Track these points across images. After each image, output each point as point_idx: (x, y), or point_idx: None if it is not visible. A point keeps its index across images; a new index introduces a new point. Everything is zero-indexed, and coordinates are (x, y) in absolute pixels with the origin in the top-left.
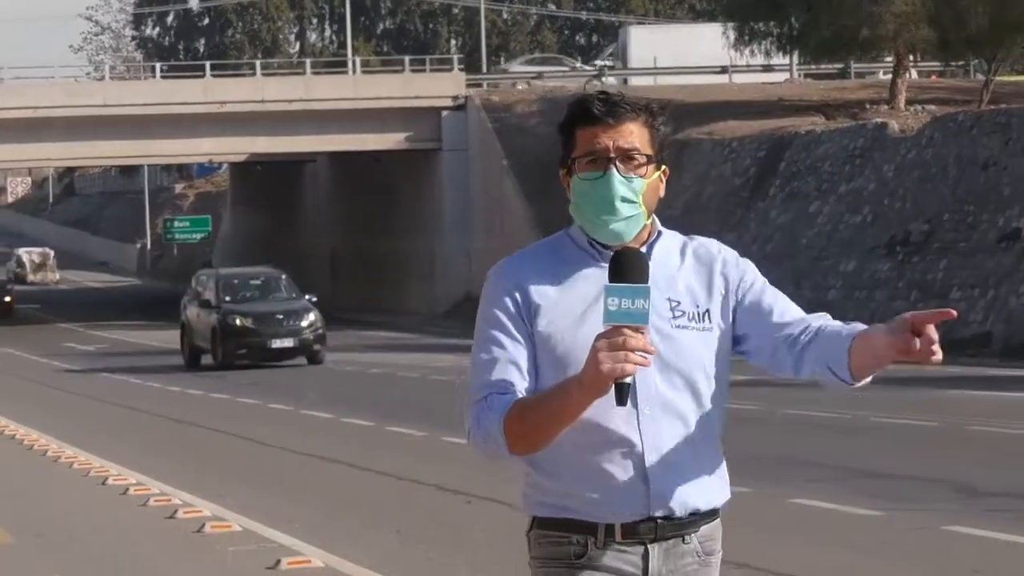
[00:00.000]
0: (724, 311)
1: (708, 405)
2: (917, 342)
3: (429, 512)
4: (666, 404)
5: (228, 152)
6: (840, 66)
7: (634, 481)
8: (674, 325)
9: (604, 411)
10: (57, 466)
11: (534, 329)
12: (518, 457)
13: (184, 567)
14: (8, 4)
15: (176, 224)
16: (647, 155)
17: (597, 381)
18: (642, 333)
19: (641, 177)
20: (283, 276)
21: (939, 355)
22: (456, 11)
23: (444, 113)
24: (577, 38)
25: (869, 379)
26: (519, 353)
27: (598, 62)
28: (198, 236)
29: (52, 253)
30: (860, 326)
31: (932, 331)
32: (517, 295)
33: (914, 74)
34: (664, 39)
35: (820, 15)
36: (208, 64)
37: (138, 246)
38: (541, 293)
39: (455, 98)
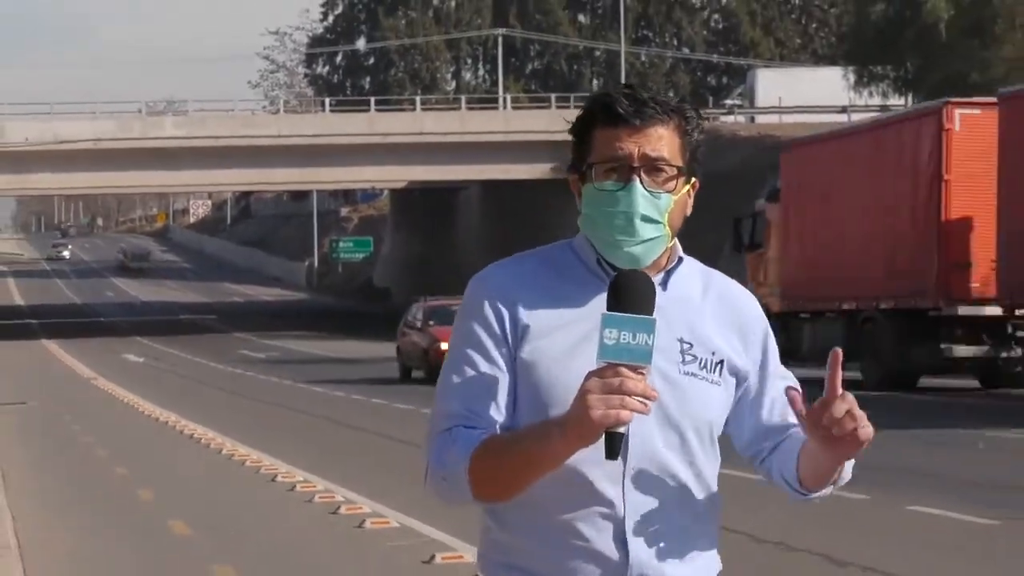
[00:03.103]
0: (736, 370)
1: (707, 467)
2: (831, 413)
3: None
4: (660, 462)
5: (389, 179)
6: None
7: (611, 548)
8: (682, 371)
9: (585, 462)
10: (231, 463)
11: (518, 355)
12: (482, 504)
13: (345, 560)
14: (193, 45)
15: (341, 244)
16: (677, 167)
17: (584, 428)
18: (643, 375)
19: (669, 192)
20: None
21: (866, 429)
22: (598, 54)
23: None
24: (709, 79)
25: (828, 491)
26: (497, 380)
27: (728, 101)
28: (360, 255)
29: (149, 250)
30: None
31: (842, 400)
32: (504, 311)
33: None
34: (788, 81)
35: (934, 60)
36: (372, 99)
37: (306, 264)
38: (532, 313)
39: None
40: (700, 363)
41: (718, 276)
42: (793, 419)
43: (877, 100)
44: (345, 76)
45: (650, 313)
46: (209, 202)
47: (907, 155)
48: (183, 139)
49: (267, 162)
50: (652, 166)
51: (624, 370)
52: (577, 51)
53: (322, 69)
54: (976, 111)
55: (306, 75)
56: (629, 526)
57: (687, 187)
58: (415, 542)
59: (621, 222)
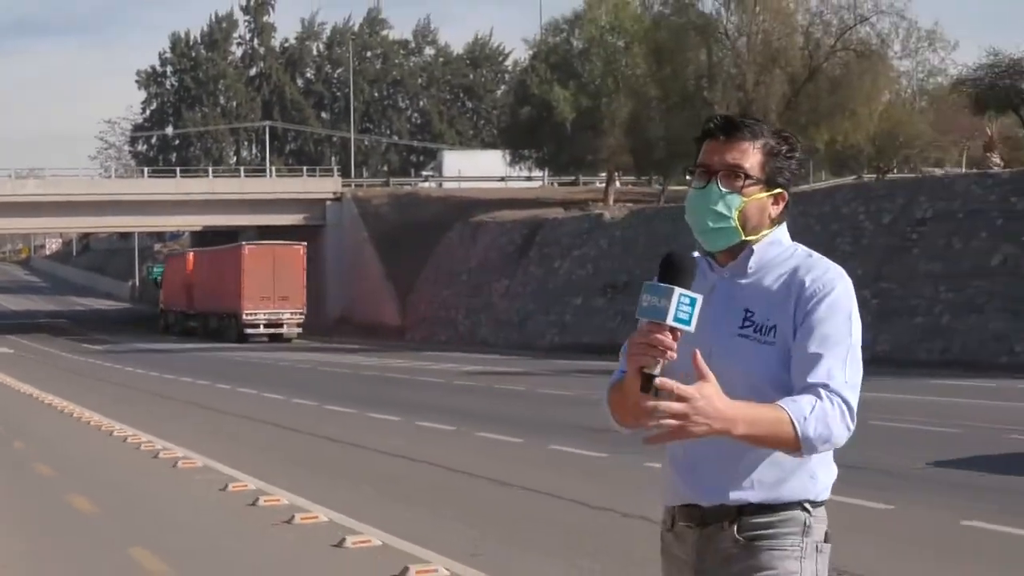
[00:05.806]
0: (785, 332)
1: None
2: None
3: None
4: None
5: (190, 225)
6: (574, 178)
7: (676, 469)
8: (736, 333)
9: None
10: (79, 423)
11: None
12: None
13: (184, 499)
14: (48, 129)
15: (155, 269)
16: (753, 176)
17: (629, 369)
18: (667, 331)
19: (738, 194)
20: None
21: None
22: (335, 139)
23: (328, 203)
24: (411, 158)
25: (795, 446)
26: None
27: (424, 172)
28: None
29: None
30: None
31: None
32: None
33: (618, 183)
34: (466, 159)
35: (562, 146)
36: (178, 169)
37: (130, 283)
38: None
39: (334, 193)
40: (755, 327)
41: (804, 258)
42: (813, 379)
43: (525, 172)
44: (159, 152)
45: (682, 284)
46: (60, 240)
47: (230, 261)
48: (42, 195)
49: (103, 212)
50: (731, 171)
51: (650, 326)
52: (321, 137)
53: (142, 147)
54: (254, 246)
55: (131, 151)
56: (685, 453)
57: (765, 194)
58: (243, 490)
59: (699, 214)
